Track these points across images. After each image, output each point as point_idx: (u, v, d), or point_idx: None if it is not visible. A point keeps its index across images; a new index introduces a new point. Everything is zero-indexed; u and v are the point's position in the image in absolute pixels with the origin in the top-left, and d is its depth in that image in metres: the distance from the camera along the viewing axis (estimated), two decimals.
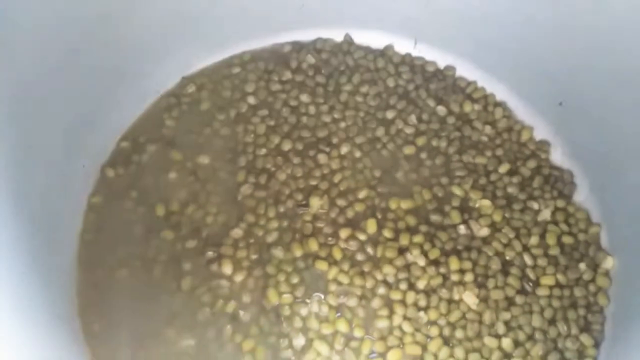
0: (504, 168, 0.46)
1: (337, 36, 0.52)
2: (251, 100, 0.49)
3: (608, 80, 0.42)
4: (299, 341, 0.39)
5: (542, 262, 0.42)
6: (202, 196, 0.44)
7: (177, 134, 0.47)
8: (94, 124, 0.45)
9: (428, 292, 0.41)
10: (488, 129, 0.48)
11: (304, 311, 0.40)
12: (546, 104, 0.48)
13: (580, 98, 0.45)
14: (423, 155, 0.47)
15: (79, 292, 0.41)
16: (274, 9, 0.50)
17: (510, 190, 0.45)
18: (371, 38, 0.52)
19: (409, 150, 0.47)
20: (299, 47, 0.52)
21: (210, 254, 0.42)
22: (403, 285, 0.41)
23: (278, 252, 0.42)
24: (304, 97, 0.49)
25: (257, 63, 0.51)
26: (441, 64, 0.51)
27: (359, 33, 0.52)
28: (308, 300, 0.40)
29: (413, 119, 0.48)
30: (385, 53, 0.51)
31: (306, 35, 0.52)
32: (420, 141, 0.47)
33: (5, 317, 0.32)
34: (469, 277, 0.41)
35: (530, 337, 0.40)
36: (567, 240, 0.43)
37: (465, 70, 0.51)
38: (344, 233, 0.43)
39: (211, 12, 0.48)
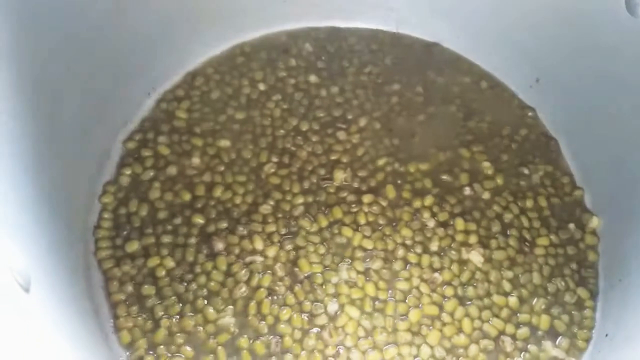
0: (502, 132, 0.52)
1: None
2: (261, 86, 0.52)
3: (578, 57, 0.48)
4: (333, 307, 0.43)
5: (536, 223, 0.47)
6: (228, 178, 0.47)
7: (192, 123, 0.49)
8: (99, 122, 0.46)
9: (440, 253, 0.45)
10: (483, 97, 0.54)
11: (334, 278, 0.44)
12: (524, 81, 0.54)
13: (554, 74, 0.51)
14: (434, 122, 0.51)
15: (106, 283, 0.43)
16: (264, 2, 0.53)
17: (506, 156, 0.50)
18: (356, 27, 0.57)
19: (421, 117, 0.51)
20: (294, 36, 0.55)
21: (241, 229, 0.45)
22: (418, 249, 0.45)
23: (305, 224, 0.45)
24: (313, 78, 0.53)
25: (259, 53, 0.54)
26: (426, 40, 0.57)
27: (345, 24, 0.57)
28: (336, 269, 0.44)
29: (420, 89, 0.53)
30: (375, 36, 0.56)
31: (296, 26, 0.56)
32: (430, 109, 0.52)
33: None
34: (473, 238, 0.46)
35: (533, 294, 0.45)
36: (555, 201, 0.49)
37: None
38: (366, 199, 0.47)
39: (205, 7, 0.51)
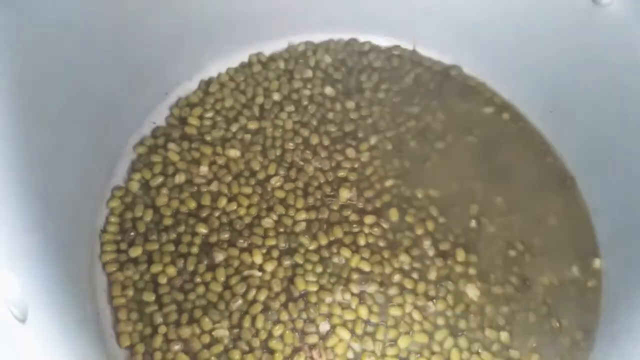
0: (519, 168, 0.51)
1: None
2: (276, 96, 0.52)
3: (595, 89, 0.47)
4: (324, 327, 0.44)
5: (541, 261, 0.47)
6: (234, 188, 0.48)
7: (204, 131, 0.50)
8: (111, 127, 0.47)
9: (437, 283, 0.45)
10: (502, 128, 0.53)
11: (328, 299, 0.44)
12: (539, 107, 0.53)
13: (569, 105, 0.50)
14: (450, 150, 0.51)
15: (109, 286, 0.44)
16: (285, 11, 0.53)
17: (520, 192, 0.50)
18: (374, 41, 0.56)
19: (439, 144, 0.51)
20: (313, 46, 0.55)
21: (241, 242, 0.46)
22: (415, 275, 0.45)
23: (305, 242, 0.46)
24: (328, 90, 0.53)
25: (277, 62, 0.54)
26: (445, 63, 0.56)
27: (363, 37, 0.56)
28: (331, 289, 0.45)
29: (440, 115, 0.52)
30: (395, 54, 0.55)
31: (317, 38, 0.56)
32: (449, 137, 0.52)
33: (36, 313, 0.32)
34: (472, 270, 0.46)
35: (527, 331, 0.44)
36: (564, 238, 0.48)
37: None
38: (368, 220, 0.47)
39: (223, 15, 0.51)
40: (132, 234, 0.46)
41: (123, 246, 0.45)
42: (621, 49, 0.44)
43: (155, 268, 0.45)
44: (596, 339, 0.45)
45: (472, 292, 0.45)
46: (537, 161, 0.51)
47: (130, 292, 0.44)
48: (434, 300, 0.45)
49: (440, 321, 0.44)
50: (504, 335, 0.44)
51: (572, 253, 0.48)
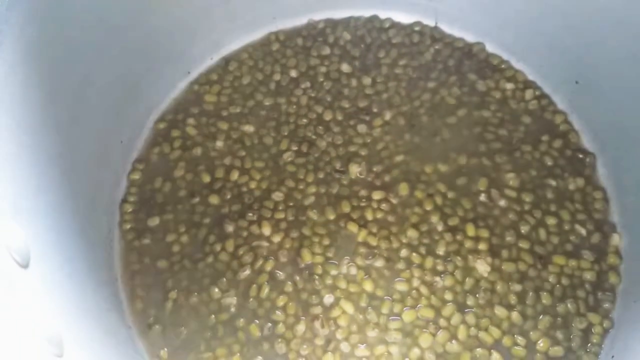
0: (533, 144, 0.49)
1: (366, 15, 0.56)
2: (293, 73, 0.53)
3: (621, 58, 0.44)
4: (329, 299, 0.44)
5: (555, 239, 0.45)
6: (247, 163, 0.49)
7: (221, 107, 0.52)
8: (132, 103, 0.49)
9: (445, 258, 0.45)
10: (522, 106, 0.51)
11: (334, 271, 0.45)
12: (563, 82, 0.51)
13: (595, 76, 0.47)
14: (462, 125, 0.50)
15: (122, 256, 0.46)
16: None
17: (534, 169, 0.48)
18: (396, 18, 0.55)
19: (450, 120, 0.50)
20: (332, 24, 0.55)
21: (250, 215, 0.47)
22: (423, 250, 0.45)
23: (313, 215, 0.47)
24: (345, 67, 0.53)
25: (295, 40, 0.54)
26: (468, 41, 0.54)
27: (384, 13, 0.55)
28: (338, 262, 0.45)
29: (456, 90, 0.51)
30: (416, 30, 0.55)
31: (336, 15, 0.56)
32: (461, 112, 0.50)
33: (51, 280, 0.34)
34: (483, 245, 0.45)
35: (540, 312, 0.43)
36: (581, 217, 0.46)
37: None
38: (377, 195, 0.47)
39: None
40: (151, 204, 0.48)
41: (141, 216, 0.48)
42: None
43: (170, 237, 0.47)
44: (613, 323, 0.43)
45: (482, 267, 0.44)
46: (556, 137, 0.49)
47: (146, 259, 0.46)
48: (442, 276, 0.44)
49: (448, 296, 0.44)
50: (514, 315, 0.43)
51: (589, 231, 0.45)
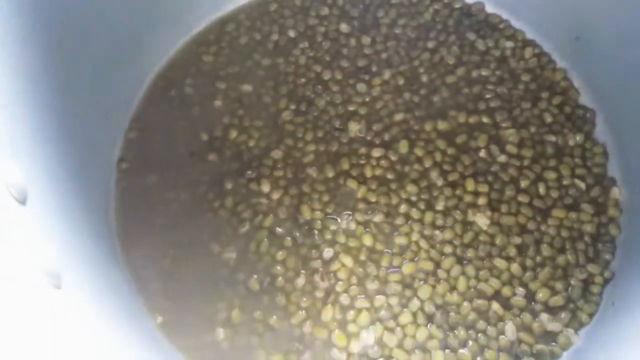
0: (532, 102, 0.49)
1: None
2: (291, 33, 0.53)
3: (620, 16, 0.44)
4: (328, 253, 0.44)
5: (554, 193, 0.45)
6: (245, 121, 0.49)
7: (218, 67, 0.51)
8: (131, 61, 0.49)
9: (445, 212, 0.45)
10: (522, 64, 0.51)
11: (333, 226, 0.45)
12: (563, 39, 0.51)
13: (594, 33, 0.47)
14: (462, 84, 0.50)
15: (118, 211, 0.46)
16: None
17: (534, 122, 0.48)
18: None
19: (449, 78, 0.50)
20: None
21: (249, 173, 0.47)
22: (422, 205, 0.45)
23: (312, 172, 0.46)
24: (343, 27, 0.53)
25: (293, 0, 0.54)
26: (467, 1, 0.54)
27: None
28: (337, 217, 0.45)
29: (455, 49, 0.51)
30: None
31: None
32: (460, 71, 0.50)
33: (50, 233, 0.34)
34: (482, 200, 0.45)
35: (539, 264, 0.43)
36: (580, 172, 0.46)
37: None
38: (376, 153, 0.47)
39: None
40: (149, 162, 0.48)
41: (139, 174, 0.47)
42: None
43: (168, 194, 0.47)
44: (613, 273, 0.43)
45: (482, 221, 0.44)
46: (556, 95, 0.49)
47: (143, 216, 0.46)
48: (441, 230, 0.44)
49: (448, 249, 0.44)
50: (514, 266, 0.43)
51: (589, 185, 0.45)
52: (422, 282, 0.43)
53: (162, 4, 0.50)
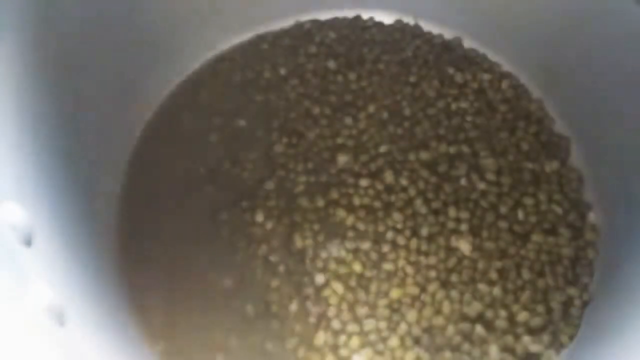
0: (509, 131, 0.52)
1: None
2: (282, 71, 0.56)
3: (593, 48, 0.47)
4: (319, 279, 0.46)
5: (533, 218, 0.48)
6: (240, 155, 0.51)
7: (213, 103, 0.54)
8: (128, 100, 0.51)
9: (429, 239, 0.47)
10: (499, 95, 0.54)
11: (324, 254, 0.47)
12: (537, 70, 0.54)
13: (568, 66, 0.51)
14: (442, 116, 0.53)
15: (120, 245, 0.48)
16: None
17: (512, 150, 0.51)
18: (377, 18, 0.59)
19: (430, 111, 0.53)
20: (318, 24, 0.59)
21: (244, 203, 0.49)
22: (408, 232, 0.47)
23: (304, 202, 0.49)
24: (331, 64, 0.56)
25: (283, 40, 0.57)
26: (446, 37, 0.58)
27: (367, 13, 0.59)
28: (328, 245, 0.47)
29: (436, 83, 0.54)
30: (396, 27, 0.58)
31: (322, 16, 0.59)
32: (441, 103, 0.53)
33: (55, 272, 0.36)
34: (464, 226, 0.47)
35: (520, 288, 0.45)
36: (557, 197, 0.48)
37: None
38: (363, 182, 0.49)
39: None
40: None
41: (138, 208, 0.50)
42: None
43: (165, 225, 0.49)
44: (592, 296, 0.45)
45: (464, 246, 0.47)
46: (532, 124, 0.52)
47: (143, 247, 0.48)
48: (426, 255, 0.46)
49: (432, 274, 0.46)
50: (496, 290, 0.45)
51: (566, 210, 0.48)
52: (409, 306, 0.45)
53: (159, 43, 0.53)
